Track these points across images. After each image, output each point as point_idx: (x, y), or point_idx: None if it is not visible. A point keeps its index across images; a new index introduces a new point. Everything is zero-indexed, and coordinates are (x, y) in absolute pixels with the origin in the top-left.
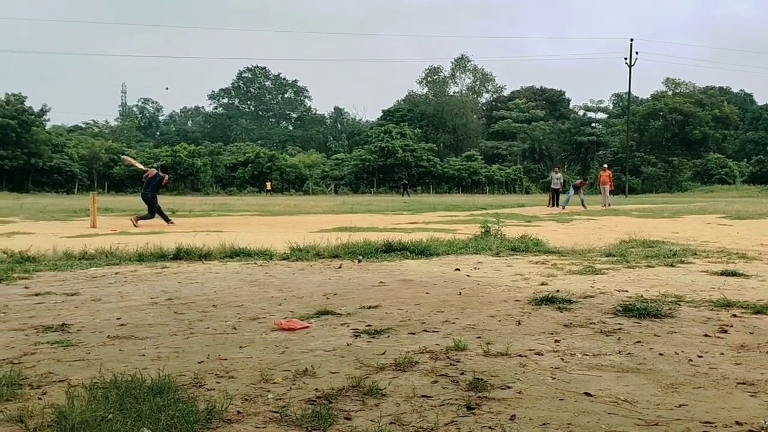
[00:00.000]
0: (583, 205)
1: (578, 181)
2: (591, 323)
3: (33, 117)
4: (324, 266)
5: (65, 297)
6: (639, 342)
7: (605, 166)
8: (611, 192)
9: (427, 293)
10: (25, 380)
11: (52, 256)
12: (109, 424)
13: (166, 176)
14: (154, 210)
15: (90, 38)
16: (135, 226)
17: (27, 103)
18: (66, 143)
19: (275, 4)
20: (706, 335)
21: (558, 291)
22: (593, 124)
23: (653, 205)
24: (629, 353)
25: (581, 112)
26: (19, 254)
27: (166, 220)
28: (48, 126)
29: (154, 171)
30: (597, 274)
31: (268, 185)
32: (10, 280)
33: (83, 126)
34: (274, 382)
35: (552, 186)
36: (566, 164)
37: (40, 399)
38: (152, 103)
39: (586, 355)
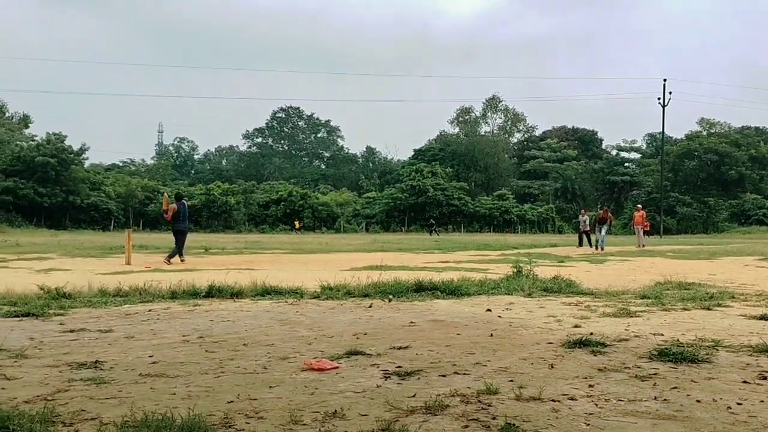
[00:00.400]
0: (598, 246)
1: (601, 212)
2: (626, 368)
3: (72, 156)
4: (354, 305)
5: (99, 334)
6: (675, 388)
7: (639, 206)
8: (646, 232)
9: (458, 334)
10: (57, 417)
11: (87, 292)
12: None
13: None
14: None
15: (129, 79)
16: (168, 263)
17: (67, 142)
18: (103, 181)
19: (309, 46)
20: (745, 381)
21: (592, 334)
22: (626, 164)
23: (689, 246)
24: (665, 399)
25: (614, 152)
26: (56, 290)
27: (172, 256)
28: (86, 164)
29: (175, 206)
30: (632, 316)
31: (297, 223)
32: (46, 316)
33: (120, 164)
34: (304, 424)
35: (580, 228)
36: (599, 204)
37: None
38: (188, 142)
39: (621, 400)
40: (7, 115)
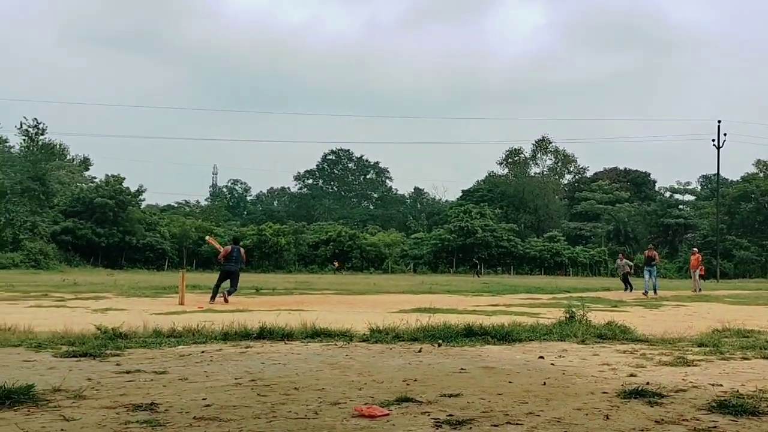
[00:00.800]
0: (647, 291)
1: (647, 252)
2: (684, 420)
3: (129, 197)
4: (403, 349)
5: (154, 375)
6: None
7: (695, 249)
8: (701, 277)
9: (510, 382)
10: None
11: (142, 333)
12: None
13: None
14: (236, 282)
15: (184, 122)
16: (226, 302)
17: (124, 184)
18: (159, 222)
19: (359, 89)
20: None
21: (648, 383)
22: (680, 206)
23: (747, 290)
24: None
25: (668, 194)
26: (112, 330)
27: (214, 296)
28: (143, 205)
29: (229, 248)
30: (689, 365)
31: (337, 263)
32: (103, 356)
33: (175, 205)
34: None
35: (619, 272)
36: (649, 245)
37: None
38: (241, 183)
39: None
40: (68, 157)
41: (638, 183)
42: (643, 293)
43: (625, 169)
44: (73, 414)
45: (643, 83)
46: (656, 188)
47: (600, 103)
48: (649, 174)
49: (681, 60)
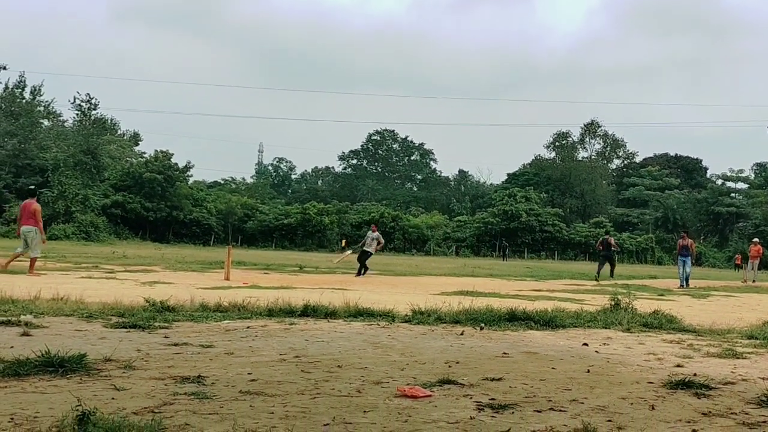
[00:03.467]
0: (682, 282)
1: (681, 240)
2: (732, 413)
3: (177, 173)
4: (445, 332)
5: (201, 348)
6: None
7: (756, 240)
8: (737, 266)
9: (553, 368)
10: (164, 430)
11: (189, 306)
12: None
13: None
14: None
15: (232, 100)
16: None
17: (173, 160)
18: (205, 198)
19: (406, 69)
20: None
21: (695, 375)
22: (732, 195)
23: None
24: None
25: (719, 182)
26: (160, 304)
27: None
28: (190, 181)
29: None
30: (738, 358)
31: (343, 242)
32: (151, 328)
33: (222, 182)
34: None
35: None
36: (702, 236)
37: None
38: (286, 162)
39: None
40: (119, 132)
41: (689, 170)
42: (680, 286)
43: (676, 155)
44: (123, 384)
45: (697, 68)
46: (708, 175)
47: (652, 88)
48: (701, 161)
49: (737, 44)
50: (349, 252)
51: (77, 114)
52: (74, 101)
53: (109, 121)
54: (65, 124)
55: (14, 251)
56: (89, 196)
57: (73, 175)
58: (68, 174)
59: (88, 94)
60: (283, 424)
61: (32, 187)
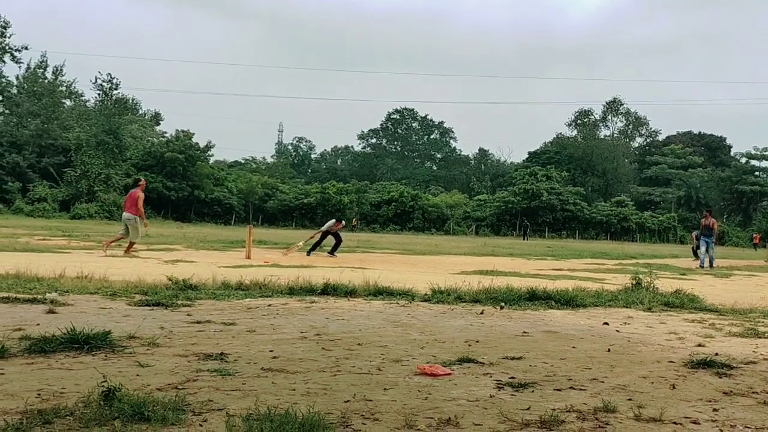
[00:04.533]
0: (703, 263)
1: (704, 220)
2: (754, 392)
3: (198, 152)
4: (465, 311)
5: (223, 326)
6: None
7: None
8: (755, 245)
9: (573, 347)
10: (188, 406)
11: (211, 285)
12: None
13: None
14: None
15: (253, 80)
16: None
17: (194, 140)
18: (226, 177)
19: (426, 48)
20: None
21: (717, 354)
22: (757, 173)
23: None
24: None
25: (743, 160)
26: (183, 282)
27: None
28: (211, 161)
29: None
30: (760, 337)
31: (354, 221)
32: (174, 306)
33: (242, 162)
34: (418, 429)
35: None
36: (725, 214)
37: (201, 426)
38: (306, 141)
39: (748, 428)
40: (140, 112)
41: (713, 148)
42: (700, 266)
43: (700, 133)
44: (147, 360)
45: (722, 44)
46: (732, 154)
47: (676, 65)
48: (725, 139)
49: (762, 19)
50: (300, 244)
51: (99, 94)
52: (96, 81)
53: (130, 101)
54: (87, 104)
55: (116, 233)
56: (111, 176)
57: (96, 155)
58: (91, 154)
59: (109, 74)
60: (304, 400)
61: (137, 177)
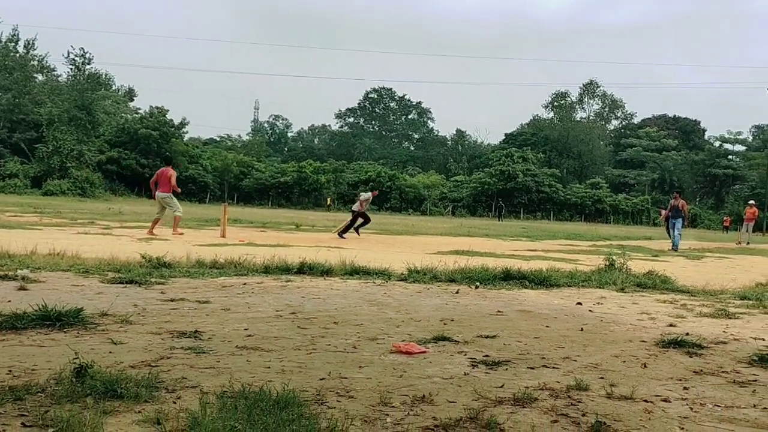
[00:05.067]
0: (675, 246)
1: (672, 201)
2: (723, 372)
3: (173, 129)
4: (441, 290)
5: (197, 304)
6: None
7: (752, 202)
8: (725, 228)
9: (546, 326)
10: (161, 383)
11: (185, 263)
12: None
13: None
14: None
15: (228, 56)
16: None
17: (168, 116)
18: (201, 155)
19: (404, 27)
20: None
21: (687, 334)
22: (730, 157)
23: None
24: (765, 408)
25: (717, 143)
26: (157, 260)
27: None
28: (186, 138)
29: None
30: (730, 318)
31: (329, 200)
32: (148, 284)
33: (218, 139)
34: (393, 406)
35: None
36: (698, 197)
37: (174, 403)
38: (282, 119)
39: (718, 406)
40: (114, 88)
41: (687, 131)
42: (672, 248)
43: (674, 116)
44: (120, 338)
45: (697, 27)
46: (706, 137)
47: (652, 48)
48: (699, 122)
49: (739, 3)
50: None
51: (71, 69)
52: (68, 56)
53: (103, 76)
54: (59, 78)
55: (155, 216)
56: (84, 152)
57: (68, 131)
58: (63, 129)
59: (82, 48)
60: (279, 378)
61: (168, 155)
